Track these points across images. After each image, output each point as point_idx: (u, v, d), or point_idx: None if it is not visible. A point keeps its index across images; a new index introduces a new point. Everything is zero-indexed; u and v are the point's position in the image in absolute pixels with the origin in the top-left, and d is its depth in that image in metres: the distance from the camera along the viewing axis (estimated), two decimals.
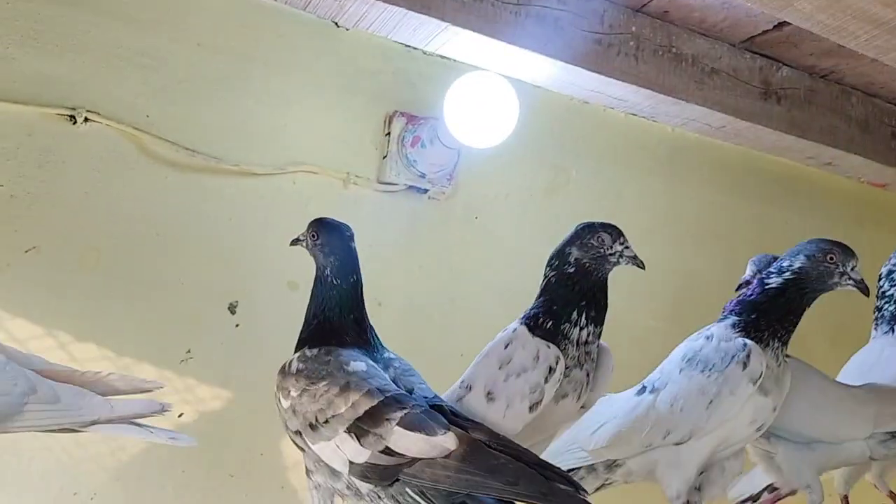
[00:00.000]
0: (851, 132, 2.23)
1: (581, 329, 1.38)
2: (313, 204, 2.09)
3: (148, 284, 1.89)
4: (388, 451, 1.12)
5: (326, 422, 1.18)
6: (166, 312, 1.90)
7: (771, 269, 1.50)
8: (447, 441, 1.10)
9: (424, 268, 2.22)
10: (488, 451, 1.10)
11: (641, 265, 1.43)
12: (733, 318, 1.49)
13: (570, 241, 1.42)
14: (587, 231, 1.41)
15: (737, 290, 1.76)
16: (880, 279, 1.88)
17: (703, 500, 1.53)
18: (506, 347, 1.40)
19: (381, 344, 1.39)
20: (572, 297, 1.39)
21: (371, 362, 1.27)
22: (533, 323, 1.40)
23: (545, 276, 1.44)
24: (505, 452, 1.10)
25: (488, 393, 1.38)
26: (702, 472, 1.52)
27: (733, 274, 1.89)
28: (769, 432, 1.57)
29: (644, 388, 1.55)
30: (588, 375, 1.40)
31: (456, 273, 2.28)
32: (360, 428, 1.14)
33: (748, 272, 1.78)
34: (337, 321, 1.31)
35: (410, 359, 2.14)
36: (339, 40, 2.15)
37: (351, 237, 1.39)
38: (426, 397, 1.22)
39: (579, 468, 1.60)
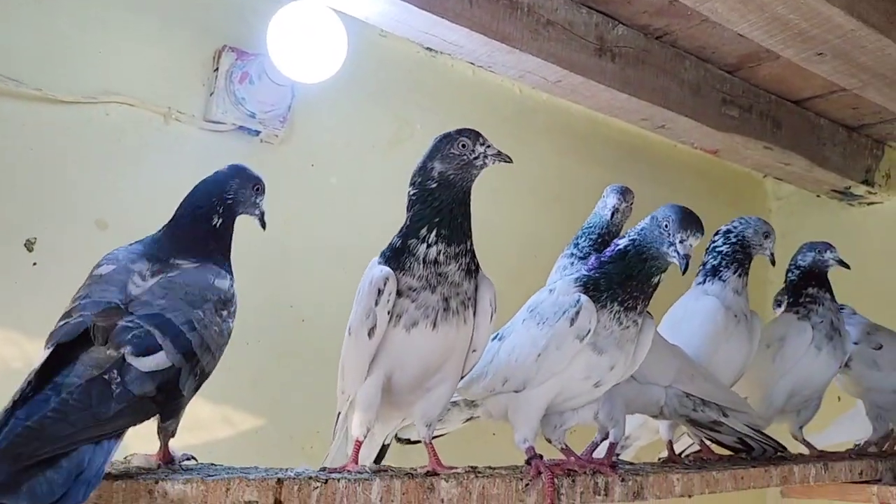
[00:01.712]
0: (683, 95, 2.28)
1: (429, 246, 1.30)
2: (128, 138, 1.95)
3: None
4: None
5: None
6: None
7: (627, 232, 1.48)
8: (42, 356, 1.04)
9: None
10: (36, 384, 1.01)
11: (508, 159, 1.36)
12: (580, 273, 1.47)
13: (430, 156, 1.34)
14: (446, 141, 1.33)
15: (611, 216, 1.76)
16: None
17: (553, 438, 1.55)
18: (361, 282, 1.36)
19: (203, 257, 1.27)
20: (427, 213, 1.31)
21: (130, 267, 1.19)
22: (387, 248, 1.36)
23: (407, 196, 1.36)
24: (55, 390, 1.00)
25: (349, 329, 1.37)
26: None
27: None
28: None
29: (497, 335, 1.54)
30: (447, 301, 1.31)
31: (289, 222, 2.18)
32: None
33: (615, 201, 1.77)
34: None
35: (239, 311, 2.06)
36: None
37: (218, 180, 1.37)
38: (132, 312, 1.11)
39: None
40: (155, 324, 1.10)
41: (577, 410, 1.55)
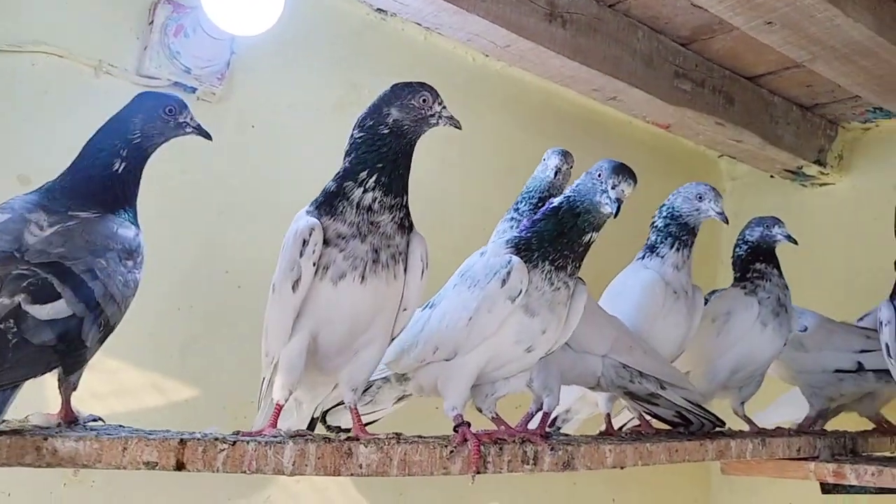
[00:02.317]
0: (635, 66, 2.24)
1: (366, 192, 1.27)
2: (56, 91, 1.86)
3: None
4: None
5: None
6: None
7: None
8: None
9: (188, 174, 2.03)
10: None
11: (458, 125, 1.36)
12: (512, 235, 1.44)
13: (387, 101, 1.31)
14: (408, 91, 1.32)
15: (554, 175, 1.74)
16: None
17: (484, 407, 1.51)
18: (287, 234, 1.31)
19: (103, 209, 1.20)
20: (371, 158, 1.28)
21: (27, 216, 1.13)
22: (319, 194, 1.32)
23: (351, 139, 1.33)
24: None
25: (273, 285, 1.32)
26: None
27: None
28: None
29: (428, 303, 1.49)
30: (377, 253, 1.27)
31: (225, 184, 2.11)
32: None
33: (558, 161, 1.75)
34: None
35: (170, 275, 1.99)
36: None
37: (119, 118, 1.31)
38: (28, 260, 1.07)
39: (377, 379, 1.56)
40: (52, 272, 1.05)
41: (509, 379, 1.51)
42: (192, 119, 1.32)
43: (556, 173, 1.73)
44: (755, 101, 2.61)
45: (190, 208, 2.05)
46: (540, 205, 1.71)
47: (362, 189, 1.27)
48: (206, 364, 2.04)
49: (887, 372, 1.93)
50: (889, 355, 1.89)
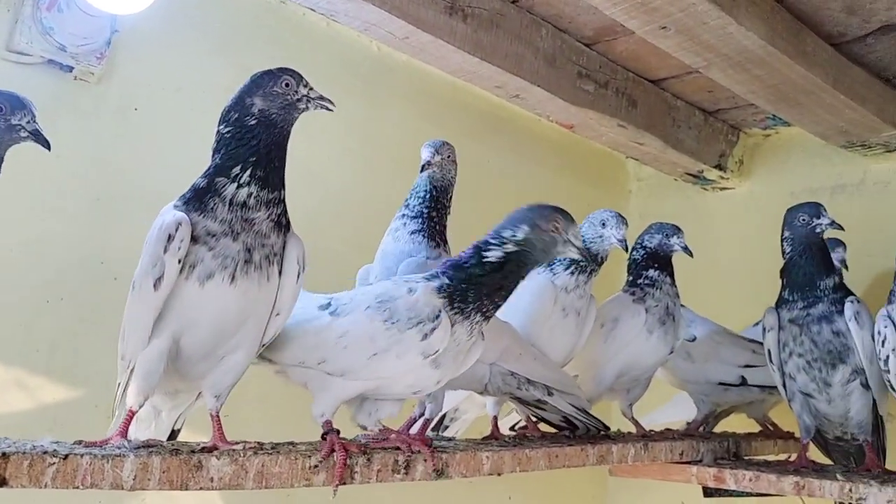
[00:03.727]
0: (538, 64, 2.21)
1: (240, 187, 1.22)
2: None
3: None
4: None
5: None
6: None
7: (490, 238, 1.36)
8: None
9: (63, 159, 1.90)
10: None
11: (331, 105, 1.32)
12: (442, 281, 1.34)
13: (250, 92, 1.28)
14: (269, 78, 1.29)
15: (421, 170, 1.70)
16: None
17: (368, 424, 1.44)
18: (150, 229, 1.25)
19: None
20: (243, 152, 1.24)
21: None
22: (188, 190, 1.26)
23: (218, 135, 1.28)
24: None
25: (133, 282, 1.25)
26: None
27: None
28: None
29: (329, 305, 1.39)
30: (249, 253, 1.22)
31: (103, 169, 2.00)
32: None
33: (426, 155, 1.70)
34: None
35: (40, 265, 1.86)
36: None
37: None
38: None
39: None
40: None
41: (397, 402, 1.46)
42: (28, 123, 1.20)
43: (422, 167, 1.69)
44: (658, 104, 2.62)
45: (64, 195, 1.93)
46: (428, 198, 1.67)
47: (236, 184, 1.22)
48: (78, 361, 1.93)
49: (771, 385, 1.97)
50: (771, 361, 1.93)
